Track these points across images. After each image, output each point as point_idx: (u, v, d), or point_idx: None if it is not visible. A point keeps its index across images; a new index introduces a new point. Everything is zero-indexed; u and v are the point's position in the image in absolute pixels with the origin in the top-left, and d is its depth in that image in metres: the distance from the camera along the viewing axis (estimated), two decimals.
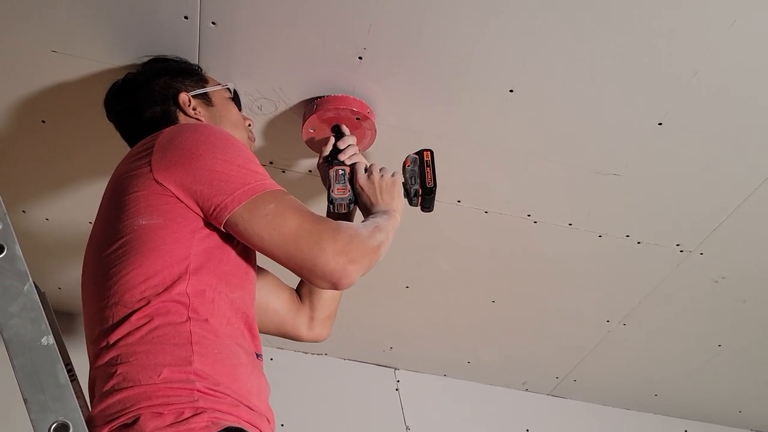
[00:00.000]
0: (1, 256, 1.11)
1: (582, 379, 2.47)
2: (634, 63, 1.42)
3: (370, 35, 1.41)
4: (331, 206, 1.45)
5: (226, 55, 1.47)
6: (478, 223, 1.84)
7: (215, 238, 1.19)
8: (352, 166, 1.45)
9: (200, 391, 1.07)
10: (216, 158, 1.16)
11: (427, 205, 1.48)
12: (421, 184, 1.46)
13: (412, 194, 1.46)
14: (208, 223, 1.17)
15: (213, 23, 1.42)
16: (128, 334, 1.10)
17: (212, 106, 1.42)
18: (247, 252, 1.24)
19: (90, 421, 1.07)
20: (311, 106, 1.56)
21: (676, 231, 1.82)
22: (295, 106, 1.58)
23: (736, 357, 2.26)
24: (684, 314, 2.12)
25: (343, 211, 1.46)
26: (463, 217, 1.83)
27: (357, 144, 1.56)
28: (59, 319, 1.68)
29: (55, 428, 0.99)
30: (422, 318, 2.27)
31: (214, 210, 1.15)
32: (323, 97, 1.55)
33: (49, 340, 1.06)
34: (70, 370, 1.31)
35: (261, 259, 1.33)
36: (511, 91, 1.49)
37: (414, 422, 2.45)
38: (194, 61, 1.48)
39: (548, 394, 2.57)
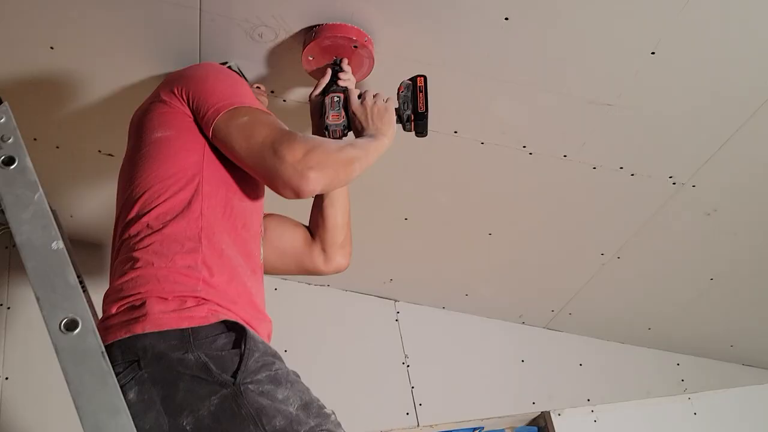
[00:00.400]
0: (13, 167, 1.18)
1: (577, 313, 2.53)
2: None
3: None
4: (326, 132, 1.50)
5: None
6: (474, 154, 1.88)
7: (223, 160, 1.31)
8: (346, 93, 1.50)
9: (204, 281, 1.17)
10: (208, 77, 1.34)
11: (420, 130, 1.52)
12: (413, 110, 1.50)
13: (405, 119, 1.50)
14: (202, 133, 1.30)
15: None
16: (147, 226, 1.22)
17: None
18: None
19: (103, 299, 1.20)
20: (310, 33, 1.60)
21: (668, 163, 1.86)
22: (295, 34, 1.61)
23: (728, 291, 2.31)
24: (677, 247, 2.17)
25: (338, 137, 1.50)
26: (459, 148, 1.87)
27: (355, 72, 1.61)
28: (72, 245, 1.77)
29: (65, 324, 1.06)
30: (421, 250, 2.33)
31: (203, 119, 1.28)
32: (322, 25, 1.58)
33: (59, 245, 1.12)
34: (81, 282, 1.38)
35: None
36: (507, 18, 1.52)
37: (413, 352, 2.53)
38: None
39: (544, 327, 2.65)
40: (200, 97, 1.31)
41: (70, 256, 1.18)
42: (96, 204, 2.20)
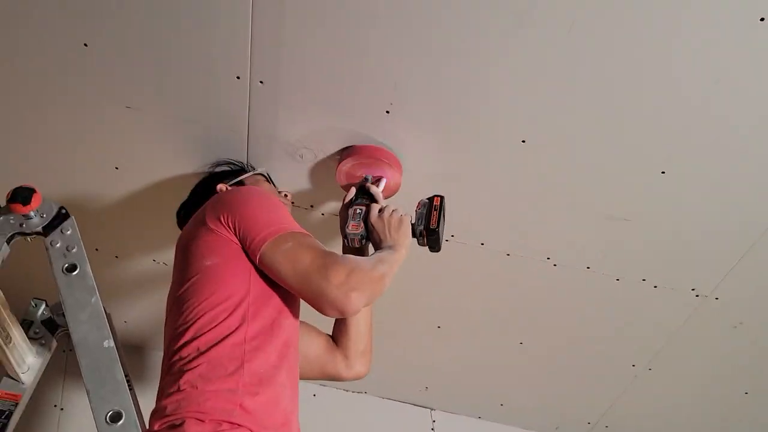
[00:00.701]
0: (75, 273, 1.33)
1: (614, 425, 2.53)
2: (636, 117, 1.56)
3: (395, 92, 1.60)
4: (345, 240, 1.64)
5: (272, 110, 1.68)
6: (500, 265, 1.98)
7: (270, 285, 1.41)
8: (368, 206, 1.64)
9: (241, 406, 1.25)
10: (251, 205, 1.45)
11: (432, 245, 1.64)
12: (426, 226, 1.63)
13: (418, 234, 1.62)
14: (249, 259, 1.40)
15: (261, 82, 1.63)
16: (197, 349, 1.30)
17: (244, 185, 1.70)
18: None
19: (150, 416, 1.27)
20: (345, 153, 1.76)
21: (690, 275, 1.92)
22: (331, 154, 1.77)
23: (764, 404, 2.30)
24: (707, 360, 2.18)
25: (356, 246, 1.64)
26: (486, 260, 1.97)
27: (385, 188, 1.75)
28: (124, 350, 1.90)
29: (111, 416, 1.18)
30: (455, 358, 2.39)
31: (250, 247, 1.39)
32: (355, 146, 1.74)
33: (110, 343, 1.26)
34: (128, 379, 1.50)
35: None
36: (524, 141, 1.65)
37: None
38: (244, 117, 1.70)
39: None
40: (245, 227, 1.40)
41: (119, 356, 1.31)
42: (149, 310, 2.35)
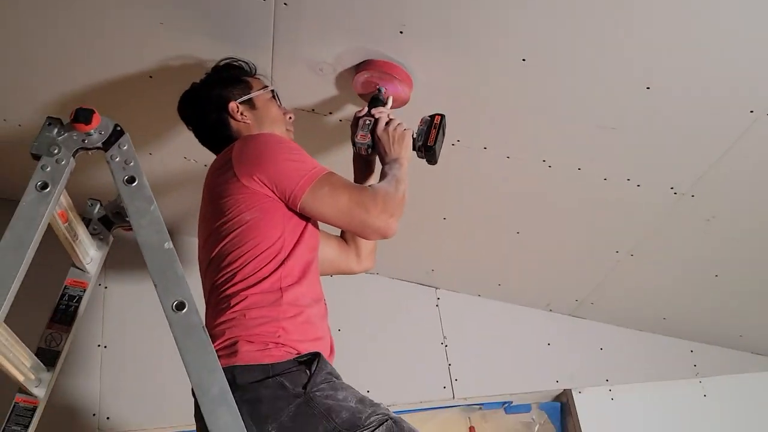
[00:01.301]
0: (134, 184, 1.55)
1: (599, 302, 2.82)
2: (623, 35, 1.73)
3: (407, 15, 1.76)
4: (354, 148, 1.85)
5: (295, 30, 1.85)
6: (501, 166, 2.19)
7: (295, 217, 1.63)
8: (376, 118, 1.83)
9: (283, 329, 1.51)
10: (278, 160, 1.61)
11: (429, 159, 1.86)
12: (424, 142, 1.83)
13: (416, 148, 1.83)
14: (288, 208, 1.61)
15: (285, 3, 1.79)
16: (244, 287, 1.54)
17: (255, 109, 1.81)
18: (315, 225, 1.70)
19: None
20: (361, 66, 1.92)
21: (669, 176, 2.13)
22: (349, 68, 1.94)
23: (731, 287, 2.57)
24: (682, 248, 2.43)
25: (363, 154, 1.85)
26: (489, 161, 2.18)
27: (394, 101, 1.94)
28: None
29: (176, 305, 1.43)
30: (458, 245, 2.65)
31: (288, 198, 1.60)
32: (370, 60, 1.91)
33: (169, 245, 1.50)
34: None
35: None
36: (524, 60, 1.83)
37: (450, 334, 2.85)
38: (269, 37, 1.86)
39: (569, 315, 2.93)
40: (279, 182, 1.58)
41: None
42: (180, 201, 2.57)
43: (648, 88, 1.84)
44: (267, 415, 1.41)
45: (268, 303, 1.52)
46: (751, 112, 1.86)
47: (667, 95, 1.86)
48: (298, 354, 1.49)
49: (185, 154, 2.39)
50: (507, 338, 2.88)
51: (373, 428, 1.43)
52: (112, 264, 2.65)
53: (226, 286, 1.56)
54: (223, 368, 1.41)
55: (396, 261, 2.79)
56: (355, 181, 1.89)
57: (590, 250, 2.54)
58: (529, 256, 2.64)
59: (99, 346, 2.60)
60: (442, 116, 1.86)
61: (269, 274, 1.55)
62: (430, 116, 1.87)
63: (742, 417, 2.82)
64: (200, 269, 1.69)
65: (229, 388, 1.37)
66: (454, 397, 2.75)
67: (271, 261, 1.56)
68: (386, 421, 1.46)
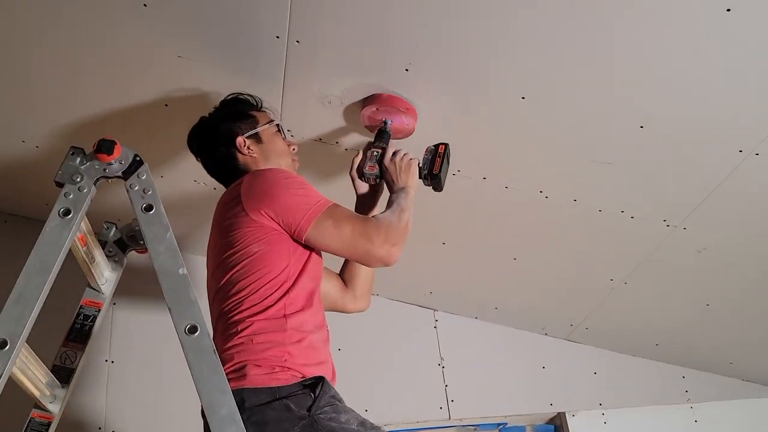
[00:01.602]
0: (152, 212, 1.63)
1: (593, 328, 2.89)
2: (618, 76, 1.82)
3: (414, 53, 1.85)
4: (362, 178, 1.94)
5: (306, 65, 1.94)
6: (500, 195, 2.27)
7: (300, 248, 1.70)
8: (384, 149, 1.93)
9: (288, 353, 1.58)
10: (285, 193, 1.68)
11: (435, 187, 1.95)
12: (429, 170, 1.92)
13: (423, 176, 1.93)
14: (293, 239, 1.68)
15: (297, 41, 1.88)
16: (251, 314, 1.61)
17: (261, 143, 1.88)
18: (318, 254, 1.77)
19: None
20: (368, 100, 2.01)
21: (662, 209, 2.22)
22: (355, 102, 2.03)
23: (722, 316, 2.65)
24: (674, 278, 2.52)
25: (371, 183, 1.95)
26: (488, 191, 2.27)
27: (399, 133, 2.03)
28: None
29: (189, 328, 1.50)
30: (457, 269, 2.73)
31: (294, 230, 1.67)
32: (376, 94, 1.99)
33: (184, 270, 1.57)
34: None
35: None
36: (523, 97, 1.91)
37: (448, 355, 2.92)
38: (281, 71, 1.95)
39: (564, 339, 3.01)
40: (285, 216, 1.65)
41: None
42: (190, 222, 2.65)
43: (642, 126, 1.93)
44: None
45: (274, 329, 1.60)
46: (740, 151, 1.95)
47: (659, 134, 1.95)
48: (303, 377, 1.56)
49: (195, 177, 2.47)
50: (503, 361, 2.95)
51: None
52: (121, 280, 2.74)
53: (233, 313, 1.63)
54: (232, 390, 1.47)
55: (395, 282, 2.87)
56: (357, 211, 1.97)
57: (585, 277, 2.62)
58: (526, 282, 2.72)
59: (106, 361, 2.67)
60: (446, 145, 1.95)
61: (275, 302, 1.62)
62: (434, 145, 1.96)
63: None
64: (208, 297, 1.76)
65: (237, 409, 1.44)
66: (450, 417, 2.81)
67: (276, 290, 1.63)
68: None
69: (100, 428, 2.57)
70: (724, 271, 2.44)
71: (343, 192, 1.99)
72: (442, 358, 2.92)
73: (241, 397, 1.50)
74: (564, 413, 2.88)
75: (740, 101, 1.82)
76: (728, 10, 1.59)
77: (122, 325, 2.74)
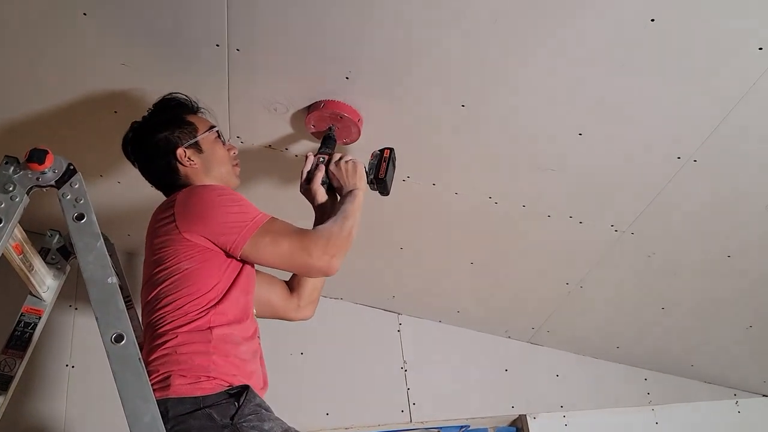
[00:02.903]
0: (83, 221, 1.64)
1: (554, 330, 2.91)
2: (556, 84, 1.83)
3: (353, 61, 1.86)
4: (310, 185, 1.92)
5: (248, 73, 1.95)
6: (450, 201, 2.29)
7: (233, 262, 1.71)
8: (330, 155, 1.94)
9: (214, 363, 1.59)
10: (219, 212, 1.67)
11: (381, 191, 1.96)
12: (375, 175, 1.93)
13: (368, 181, 1.93)
14: (228, 255, 1.68)
15: (237, 50, 1.89)
16: (177, 326, 1.62)
17: (202, 152, 1.85)
18: (252, 266, 1.77)
19: None
20: (313, 107, 2.02)
21: (608, 215, 2.24)
22: (301, 109, 2.05)
23: (679, 318, 2.66)
24: (628, 282, 2.53)
25: (322, 189, 1.93)
26: (438, 197, 2.28)
27: (345, 138, 2.04)
28: (127, 258, 2.21)
29: (115, 337, 1.52)
30: (417, 273, 2.75)
31: (229, 249, 1.67)
32: (321, 101, 2.00)
33: (113, 279, 1.58)
34: (128, 301, 1.85)
35: None
36: (463, 105, 1.93)
37: (411, 359, 2.93)
38: (224, 79, 1.96)
39: (527, 342, 3.02)
40: (221, 235, 1.65)
41: (122, 284, 1.65)
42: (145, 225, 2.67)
43: (580, 134, 1.95)
44: None
45: (199, 340, 1.61)
46: (678, 158, 1.96)
47: (598, 141, 1.96)
48: (229, 386, 1.57)
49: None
50: (466, 363, 2.97)
51: None
52: (83, 288, 2.75)
53: (159, 326, 1.64)
54: (157, 400, 1.48)
55: (359, 286, 2.89)
56: (317, 221, 1.93)
57: (542, 280, 2.64)
58: (484, 285, 2.73)
59: (67, 366, 2.69)
60: (391, 150, 1.97)
61: (201, 316, 1.63)
62: (380, 150, 1.98)
63: None
64: (141, 304, 1.78)
65: (160, 417, 1.45)
66: (411, 420, 2.83)
67: (204, 304, 1.64)
68: None
69: None
70: (675, 276, 2.45)
71: (296, 197, 2.00)
72: (405, 362, 2.93)
73: (165, 407, 1.52)
74: (525, 415, 2.89)
75: (675, 109, 1.83)
76: (652, 20, 1.60)
77: (84, 330, 2.75)
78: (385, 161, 1.95)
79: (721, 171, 2.00)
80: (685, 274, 2.44)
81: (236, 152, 1.96)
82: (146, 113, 1.91)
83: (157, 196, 2.48)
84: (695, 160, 1.95)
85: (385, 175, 1.93)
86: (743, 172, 2.00)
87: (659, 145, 1.94)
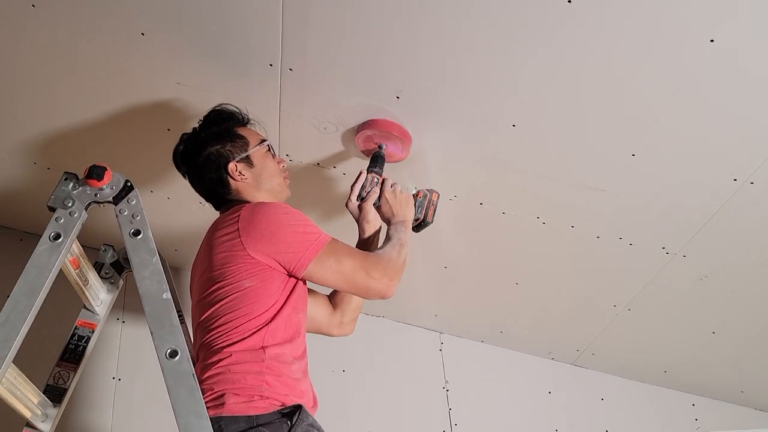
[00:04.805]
0: (139, 237, 1.67)
1: (599, 353, 2.86)
2: (607, 105, 1.82)
3: (403, 83, 1.87)
4: (359, 201, 1.95)
5: (299, 92, 1.97)
6: (497, 221, 2.27)
7: (291, 281, 1.72)
8: (384, 180, 1.96)
9: (267, 383, 1.60)
10: (285, 231, 1.68)
11: (418, 230, 2.00)
12: (424, 217, 1.97)
13: (414, 218, 1.96)
14: (289, 274, 1.70)
15: (290, 69, 1.91)
16: (231, 343, 1.63)
17: (253, 166, 1.86)
18: (304, 285, 1.78)
19: None
20: (362, 125, 2.04)
21: (660, 236, 2.20)
22: (350, 127, 2.06)
23: (730, 343, 2.60)
24: (677, 305, 2.48)
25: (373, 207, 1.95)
26: (485, 217, 2.27)
27: (394, 156, 2.05)
28: (173, 273, 2.23)
29: (169, 353, 1.54)
30: (460, 293, 2.73)
31: (293, 267, 1.68)
32: (370, 120, 2.01)
33: (167, 294, 1.60)
34: (180, 317, 1.86)
35: None
36: (514, 125, 1.92)
37: (452, 378, 2.91)
38: (276, 97, 1.98)
39: (571, 364, 2.98)
40: (285, 255, 1.66)
41: (174, 300, 1.66)
42: (192, 239, 2.70)
43: (633, 155, 1.93)
44: None
45: (252, 360, 1.61)
46: (735, 180, 1.93)
47: (651, 163, 1.94)
48: (282, 406, 1.58)
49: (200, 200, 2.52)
50: (508, 385, 2.93)
51: None
52: (131, 300, 2.80)
53: (214, 344, 1.65)
54: (210, 418, 1.50)
55: (402, 305, 2.89)
56: (360, 241, 1.96)
57: (588, 302, 2.60)
58: (529, 306, 2.70)
59: (113, 378, 2.72)
60: (438, 194, 2.02)
61: (253, 333, 1.64)
62: (428, 190, 2.01)
63: None
64: (192, 325, 1.79)
65: None
66: None
67: (259, 323, 1.65)
68: None
69: None
70: (727, 299, 2.40)
71: (342, 217, 2.01)
72: (446, 382, 2.91)
73: (219, 425, 1.53)
74: None
75: (733, 130, 1.81)
76: (711, 40, 1.58)
77: (130, 343, 2.79)
78: (432, 205, 2.00)
79: None
80: (737, 299, 2.39)
81: (285, 165, 1.98)
82: (196, 124, 1.92)
83: (205, 213, 2.54)
84: (752, 183, 1.91)
85: (432, 220, 1.98)
86: None
87: (715, 166, 1.91)
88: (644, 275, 2.38)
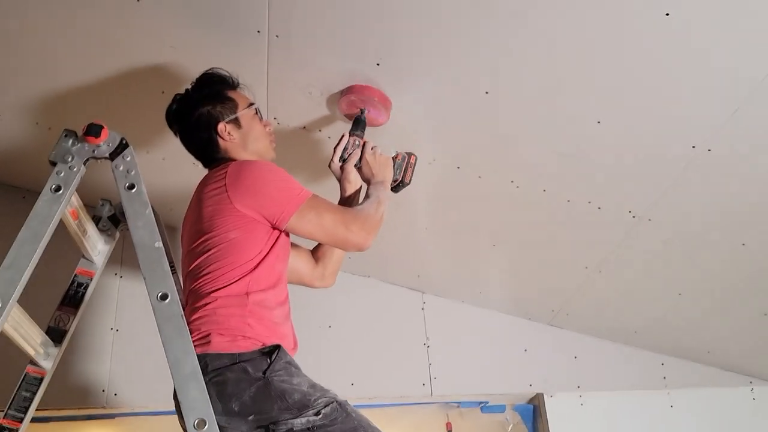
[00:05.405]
0: (133, 191, 1.80)
1: (573, 313, 3.01)
2: (573, 73, 1.94)
3: (382, 51, 1.99)
4: (342, 163, 2.07)
5: (286, 58, 2.09)
6: (473, 185, 2.40)
7: (273, 232, 1.85)
8: (365, 142, 2.08)
9: (249, 325, 1.74)
10: (269, 186, 1.82)
11: (396, 190, 2.13)
12: (402, 178, 2.10)
13: (392, 179, 2.09)
14: (272, 226, 1.82)
15: (276, 36, 2.03)
16: (216, 288, 1.76)
17: (241, 128, 1.98)
18: (287, 236, 1.91)
19: None
20: (345, 90, 2.15)
21: (626, 200, 2.32)
22: (335, 93, 2.18)
23: (695, 305, 2.73)
24: (644, 267, 2.61)
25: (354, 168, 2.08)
26: (462, 180, 2.40)
27: (375, 120, 2.17)
28: (168, 232, 2.36)
29: (160, 295, 1.68)
30: (441, 254, 2.87)
31: (276, 220, 1.81)
32: (353, 85, 2.13)
33: (159, 243, 1.74)
34: (172, 266, 2.00)
35: None
36: (487, 92, 2.04)
37: (433, 336, 3.07)
38: (264, 63, 2.10)
39: (547, 323, 3.12)
40: (269, 208, 1.78)
41: (166, 250, 1.79)
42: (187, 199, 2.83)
43: (599, 122, 2.04)
44: (231, 394, 1.66)
45: (236, 304, 1.75)
46: (693, 147, 2.05)
47: (615, 129, 2.06)
48: (263, 345, 1.72)
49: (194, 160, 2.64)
50: (487, 343, 3.09)
51: (319, 408, 1.67)
52: (128, 255, 2.94)
53: (202, 290, 1.79)
54: (197, 355, 1.64)
55: (386, 266, 3.03)
56: (342, 197, 2.10)
57: (562, 264, 2.74)
58: (506, 267, 2.84)
59: (112, 329, 2.88)
60: (416, 157, 2.14)
61: (238, 280, 1.77)
62: (406, 153, 2.13)
63: (706, 429, 2.99)
64: (182, 273, 1.93)
65: (199, 368, 1.61)
66: (432, 394, 2.96)
67: (243, 271, 1.78)
68: (332, 403, 1.70)
69: (103, 390, 2.77)
70: (691, 262, 2.53)
71: (327, 175, 2.14)
72: (427, 338, 3.06)
73: (204, 361, 1.67)
74: (542, 394, 3.01)
75: (691, 98, 1.92)
76: (667, 14, 1.69)
77: (128, 297, 2.94)
78: (411, 167, 2.12)
79: (735, 160, 2.07)
80: (702, 261, 2.51)
81: (272, 128, 2.11)
82: (189, 86, 2.04)
83: (198, 174, 2.66)
84: (709, 150, 2.03)
85: (410, 181, 2.11)
86: (758, 161, 2.07)
87: (675, 135, 2.03)
88: (613, 238, 2.51)
